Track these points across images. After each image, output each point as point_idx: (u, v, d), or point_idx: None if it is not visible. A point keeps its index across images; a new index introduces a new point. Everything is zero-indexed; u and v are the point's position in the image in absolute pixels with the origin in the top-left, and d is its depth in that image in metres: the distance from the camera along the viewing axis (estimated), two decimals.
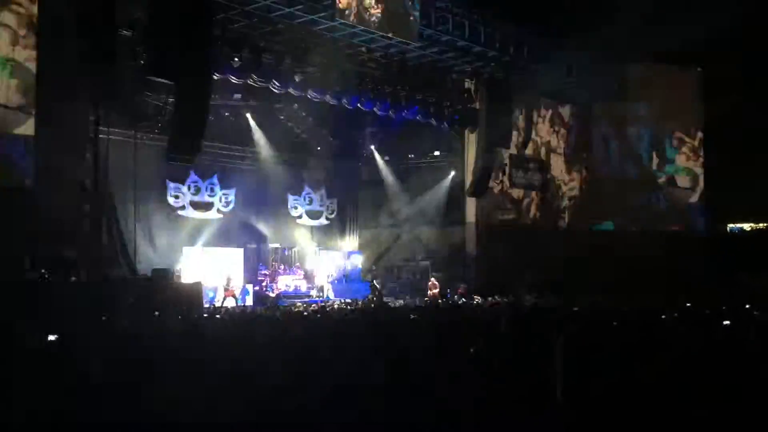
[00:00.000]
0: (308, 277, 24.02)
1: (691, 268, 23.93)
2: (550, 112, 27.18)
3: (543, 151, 26.87)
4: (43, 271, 14.57)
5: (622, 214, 27.33)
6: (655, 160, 28.15)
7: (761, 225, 28.60)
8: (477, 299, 19.99)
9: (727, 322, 9.14)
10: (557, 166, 27.37)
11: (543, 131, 26.92)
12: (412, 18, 18.32)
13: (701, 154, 28.29)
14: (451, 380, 3.77)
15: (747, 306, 12.80)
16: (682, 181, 28.24)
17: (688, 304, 13.79)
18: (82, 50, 14.67)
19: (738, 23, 21.03)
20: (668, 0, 20.90)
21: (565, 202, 27.52)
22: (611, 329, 8.29)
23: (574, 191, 27.83)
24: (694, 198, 28.20)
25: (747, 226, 28.92)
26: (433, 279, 23.03)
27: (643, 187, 27.92)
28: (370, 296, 21.43)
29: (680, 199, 28.16)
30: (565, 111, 27.27)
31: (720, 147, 26.92)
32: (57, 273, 15.01)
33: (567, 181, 27.75)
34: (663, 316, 11.22)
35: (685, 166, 28.27)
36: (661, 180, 28.10)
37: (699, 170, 28.17)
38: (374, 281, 23.16)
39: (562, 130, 27.49)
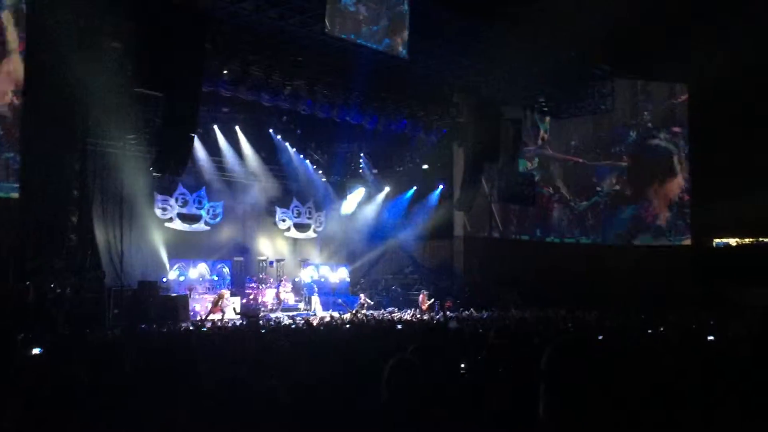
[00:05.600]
0: (296, 289, 23.97)
1: (676, 283, 24.10)
2: (538, 126, 27.37)
3: (531, 164, 27.03)
4: (28, 283, 14.46)
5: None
6: None
7: (747, 240, 28.81)
8: (464, 312, 19.99)
9: (711, 338, 9.18)
10: (545, 178, 27.56)
11: (530, 145, 27.07)
12: (401, 31, 18.38)
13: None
14: (435, 393, 3.78)
15: (733, 321, 12.89)
16: None
17: (674, 319, 13.86)
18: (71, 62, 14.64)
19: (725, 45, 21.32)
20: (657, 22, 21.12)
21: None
22: (596, 344, 8.31)
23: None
24: None
25: (733, 242, 29.12)
26: (424, 292, 23.02)
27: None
28: (356, 308, 21.39)
29: None
30: (554, 124, 27.46)
31: (707, 162, 27.18)
32: (43, 284, 14.90)
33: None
34: (649, 331, 11.29)
35: None
36: None
37: None
38: (362, 295, 23.15)
39: (550, 142, 27.70)
